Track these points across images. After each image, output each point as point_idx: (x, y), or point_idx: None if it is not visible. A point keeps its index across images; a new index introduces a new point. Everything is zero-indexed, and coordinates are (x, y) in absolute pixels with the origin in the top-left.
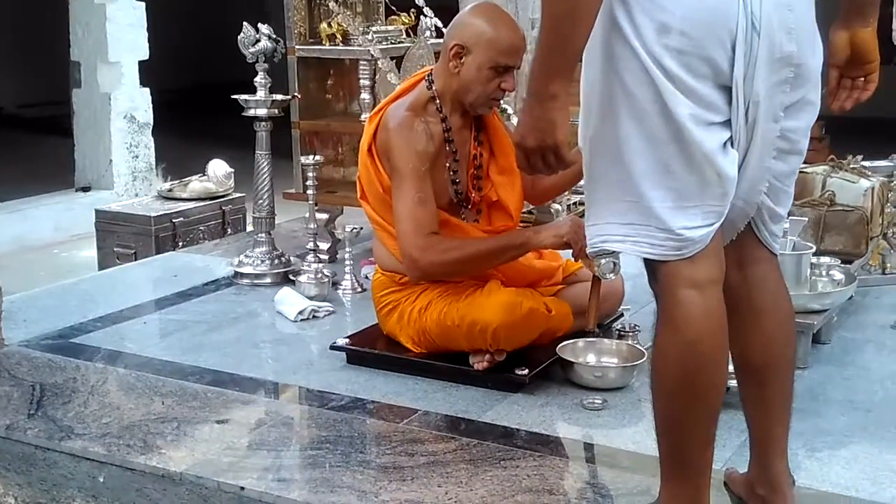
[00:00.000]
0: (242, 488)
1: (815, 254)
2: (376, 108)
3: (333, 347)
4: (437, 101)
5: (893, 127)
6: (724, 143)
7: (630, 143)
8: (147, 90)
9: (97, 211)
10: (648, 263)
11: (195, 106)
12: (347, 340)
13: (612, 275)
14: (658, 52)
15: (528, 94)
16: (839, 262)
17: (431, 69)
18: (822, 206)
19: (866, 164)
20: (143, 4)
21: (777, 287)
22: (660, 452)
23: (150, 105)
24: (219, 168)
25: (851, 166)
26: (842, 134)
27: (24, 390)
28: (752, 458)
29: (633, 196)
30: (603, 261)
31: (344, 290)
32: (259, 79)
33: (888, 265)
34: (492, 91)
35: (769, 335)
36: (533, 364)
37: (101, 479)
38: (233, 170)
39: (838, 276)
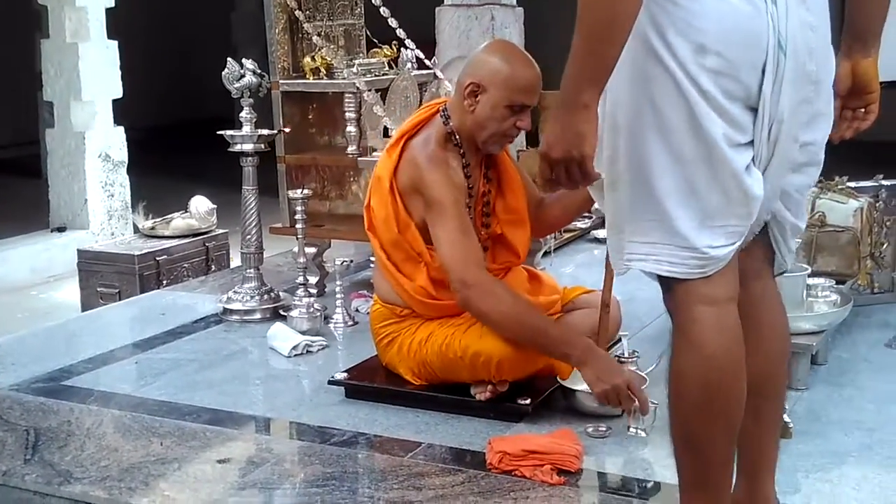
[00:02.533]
0: None
1: (809, 275)
2: (394, 140)
3: (332, 382)
4: (456, 137)
5: (875, 149)
6: (748, 164)
7: (657, 161)
8: (121, 128)
9: (79, 251)
10: (665, 282)
11: (173, 143)
12: (346, 374)
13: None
14: (695, 72)
15: (558, 104)
16: (833, 282)
17: (443, 102)
18: (814, 228)
19: (852, 184)
20: (115, 43)
21: (777, 302)
22: (679, 472)
23: (125, 143)
24: (201, 204)
25: (839, 187)
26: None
27: (18, 435)
28: (739, 477)
29: (656, 215)
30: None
31: (335, 323)
32: (245, 114)
33: (877, 284)
34: (507, 129)
35: (769, 350)
36: (535, 393)
37: None
38: (215, 206)
39: (833, 296)
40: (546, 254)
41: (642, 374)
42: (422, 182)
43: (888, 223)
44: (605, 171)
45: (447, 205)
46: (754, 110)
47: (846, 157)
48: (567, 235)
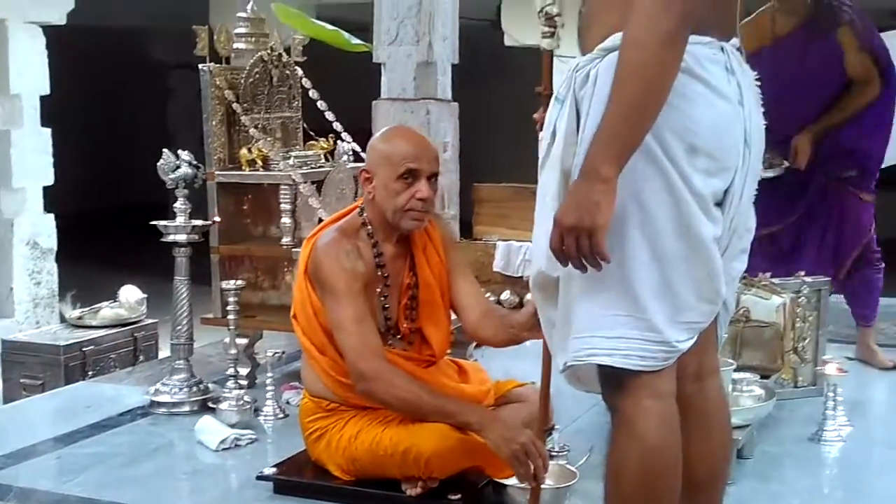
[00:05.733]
0: None
1: (734, 370)
2: (312, 232)
3: (260, 477)
4: (369, 227)
5: None
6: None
7: (636, 258)
8: (51, 216)
9: (3, 340)
10: (614, 376)
11: (106, 230)
12: (275, 469)
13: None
14: (688, 172)
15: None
16: (758, 376)
17: None
18: (739, 323)
19: (775, 280)
20: (48, 130)
21: (724, 399)
22: None
23: (54, 231)
24: (131, 294)
25: (763, 283)
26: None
27: None
28: None
29: (628, 310)
30: None
31: (266, 416)
32: (179, 204)
33: (800, 378)
34: (405, 202)
35: (716, 446)
36: (466, 488)
37: None
38: (146, 295)
39: (757, 391)
40: (478, 346)
41: (572, 468)
42: (318, 269)
43: (810, 318)
44: (561, 268)
45: (339, 292)
46: (719, 205)
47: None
48: None
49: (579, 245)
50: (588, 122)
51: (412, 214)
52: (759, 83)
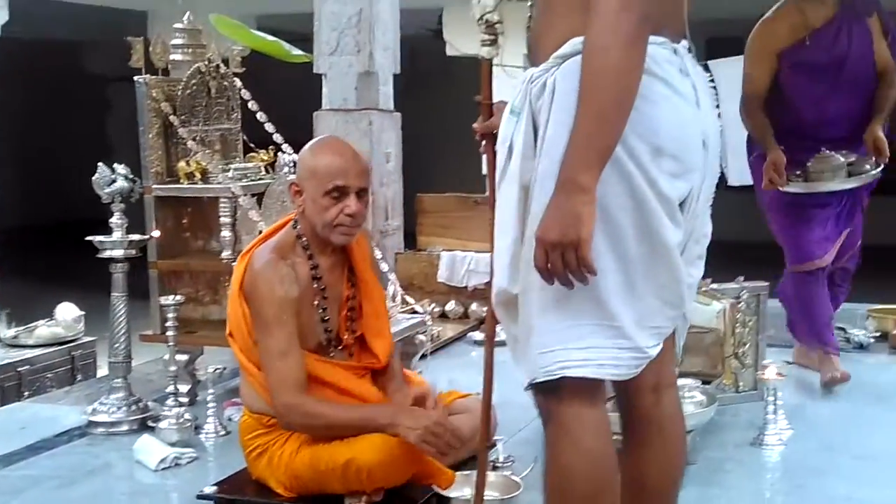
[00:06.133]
0: None
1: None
2: (246, 248)
3: (200, 496)
4: (304, 240)
5: (733, 249)
6: None
7: (601, 264)
8: None
9: None
10: (551, 384)
11: (42, 245)
12: (216, 488)
13: None
14: (654, 175)
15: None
16: (699, 382)
17: None
18: None
19: (715, 286)
20: None
21: (681, 411)
22: None
23: None
24: (68, 312)
25: (703, 289)
26: None
27: None
28: None
29: (597, 318)
30: None
31: (207, 433)
32: (115, 219)
33: (741, 383)
34: (334, 218)
35: (672, 457)
36: (410, 502)
37: None
38: (83, 312)
39: (699, 396)
40: (423, 356)
41: (517, 478)
42: (252, 292)
43: (750, 323)
44: (520, 280)
45: (269, 321)
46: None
47: (708, 259)
48: (444, 338)
49: (566, 260)
50: (547, 133)
51: (341, 230)
52: (803, 79)
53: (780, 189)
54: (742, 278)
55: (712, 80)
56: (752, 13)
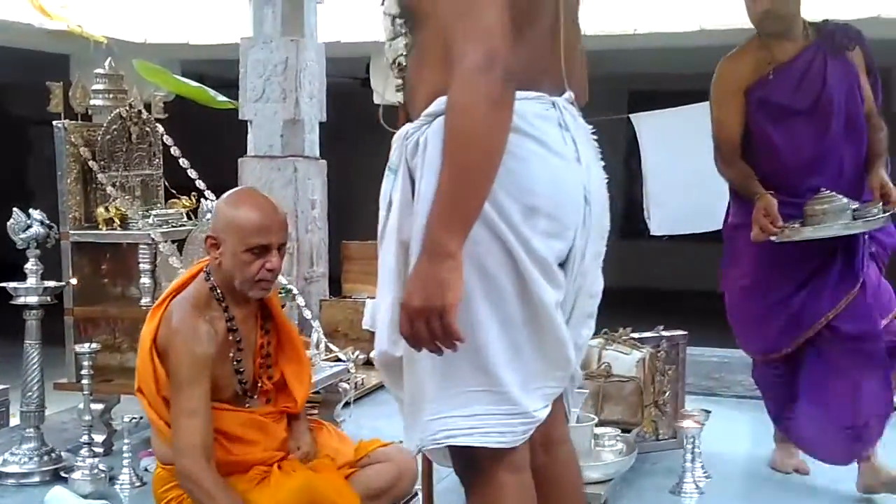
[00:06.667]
0: None
1: (596, 424)
2: (160, 300)
3: None
4: (218, 293)
5: (649, 296)
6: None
7: (484, 327)
8: None
9: None
10: (466, 451)
11: None
12: None
13: None
14: (527, 235)
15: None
16: (619, 431)
17: (207, 261)
18: (600, 378)
19: (635, 335)
20: None
21: (576, 465)
22: None
23: None
24: None
25: (623, 338)
26: (612, 305)
27: None
28: None
29: (482, 384)
30: None
31: (122, 484)
32: (30, 265)
33: (661, 431)
34: (255, 274)
35: None
36: None
37: None
38: None
39: (619, 445)
40: (346, 405)
41: None
42: (168, 347)
43: (669, 372)
44: (402, 343)
45: (182, 380)
46: (562, 266)
47: (630, 308)
48: (368, 385)
49: (430, 328)
50: (422, 191)
51: (262, 285)
52: (771, 119)
53: (774, 240)
54: (662, 327)
55: (594, 132)
56: (673, 68)
